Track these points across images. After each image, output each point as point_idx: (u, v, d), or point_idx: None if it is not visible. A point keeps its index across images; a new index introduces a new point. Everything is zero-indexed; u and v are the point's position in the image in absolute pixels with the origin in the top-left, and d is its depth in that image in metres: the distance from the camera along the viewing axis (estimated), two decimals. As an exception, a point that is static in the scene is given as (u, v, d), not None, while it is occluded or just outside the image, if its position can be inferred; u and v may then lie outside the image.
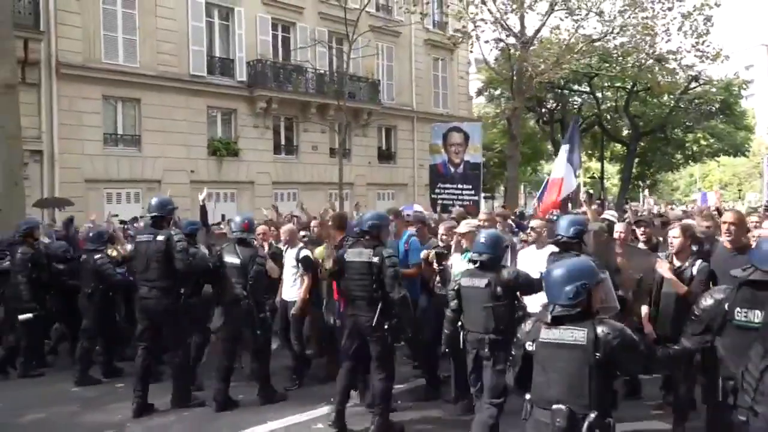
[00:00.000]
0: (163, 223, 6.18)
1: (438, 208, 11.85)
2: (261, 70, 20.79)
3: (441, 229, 6.66)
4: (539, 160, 36.24)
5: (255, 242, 6.70)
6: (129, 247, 7.60)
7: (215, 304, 6.48)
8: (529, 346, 3.11)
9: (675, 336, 4.73)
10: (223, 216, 14.49)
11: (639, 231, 6.67)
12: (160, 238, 5.96)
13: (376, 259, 5.25)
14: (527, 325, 3.23)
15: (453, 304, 4.90)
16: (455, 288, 4.90)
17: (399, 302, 5.22)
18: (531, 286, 4.80)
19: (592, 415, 2.85)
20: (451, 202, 12.83)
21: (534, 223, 6.34)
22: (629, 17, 19.64)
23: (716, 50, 20.05)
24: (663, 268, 5.22)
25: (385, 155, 26.00)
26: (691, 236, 5.59)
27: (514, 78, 20.88)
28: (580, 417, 2.87)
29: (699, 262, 5.13)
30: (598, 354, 2.89)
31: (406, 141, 26.45)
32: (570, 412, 2.88)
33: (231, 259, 6.16)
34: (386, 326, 5.23)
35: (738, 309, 3.43)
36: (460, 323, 4.86)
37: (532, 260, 5.67)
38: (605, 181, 34.74)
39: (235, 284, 6.04)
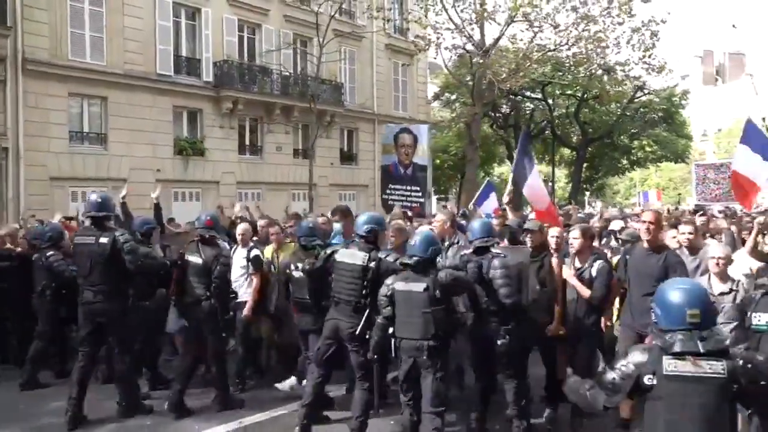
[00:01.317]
0: (105, 224, 5.80)
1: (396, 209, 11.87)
2: (227, 71, 20.99)
3: (389, 231, 6.40)
4: (492, 163, 37.39)
5: (220, 240, 6.45)
6: None
7: (171, 306, 6.35)
8: (649, 380, 2.73)
9: (576, 335, 5.40)
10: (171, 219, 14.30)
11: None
12: (103, 240, 5.60)
13: (372, 264, 5.00)
14: (639, 355, 2.83)
15: (386, 310, 4.61)
16: (388, 294, 4.62)
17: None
18: (469, 287, 4.76)
19: None
20: (400, 202, 12.99)
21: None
22: (582, 30, 20.73)
23: (661, 63, 21.44)
24: (566, 273, 5.39)
25: (347, 157, 26.50)
26: (591, 237, 5.83)
27: (474, 84, 21.72)
28: None
29: (598, 262, 5.33)
30: (735, 387, 2.66)
31: (368, 143, 27.01)
32: None
33: (193, 258, 5.92)
34: (368, 336, 4.91)
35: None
36: (391, 330, 4.62)
37: None
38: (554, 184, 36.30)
39: (196, 284, 5.81)
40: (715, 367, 2.66)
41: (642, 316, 4.88)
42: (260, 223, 8.14)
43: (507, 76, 19.32)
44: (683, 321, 2.75)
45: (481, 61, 19.88)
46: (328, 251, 5.36)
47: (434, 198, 28.49)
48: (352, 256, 5.10)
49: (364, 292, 4.96)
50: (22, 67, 16.40)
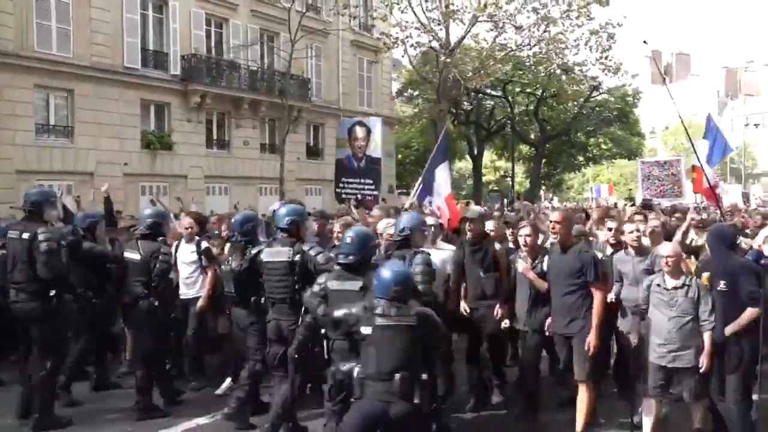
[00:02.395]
0: (39, 218, 5.49)
1: (351, 203, 11.51)
2: (195, 65, 20.97)
3: (336, 227, 6.23)
4: (453, 158, 38.22)
5: (165, 237, 6.17)
6: None
7: (115, 305, 6.15)
8: (365, 330, 3.44)
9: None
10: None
11: (508, 232, 6.79)
12: (25, 236, 5.32)
13: (297, 258, 4.92)
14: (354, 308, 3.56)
15: (319, 309, 4.38)
16: (320, 293, 4.42)
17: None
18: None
19: None
20: (354, 195, 12.86)
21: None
22: (543, 32, 21.51)
23: (617, 64, 22.45)
24: (522, 267, 5.45)
25: (313, 152, 26.74)
26: (539, 234, 5.86)
27: (440, 82, 22.28)
28: None
29: (547, 258, 5.35)
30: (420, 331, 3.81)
31: (333, 138, 27.08)
32: None
33: (131, 255, 5.72)
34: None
35: None
36: (323, 331, 4.41)
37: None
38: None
39: (135, 283, 5.57)
40: (405, 319, 3.74)
41: (564, 318, 5.05)
42: (212, 219, 7.96)
43: (472, 75, 19.90)
44: (388, 293, 3.80)
45: (447, 60, 20.41)
46: (254, 251, 5.24)
47: (397, 192, 28.95)
48: (277, 254, 5.02)
49: (296, 287, 4.88)
50: (-12, 58, 16.11)
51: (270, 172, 24.12)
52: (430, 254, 5.05)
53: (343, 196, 13.06)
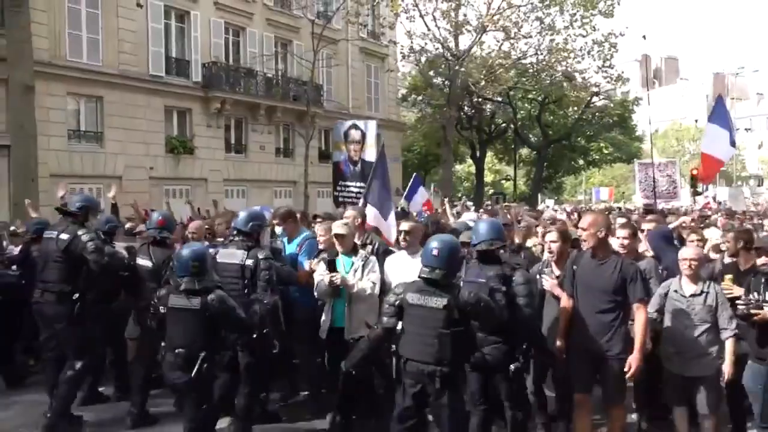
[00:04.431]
0: (76, 222, 5.51)
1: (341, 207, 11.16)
2: (215, 72, 21.73)
3: (318, 229, 5.82)
4: (455, 161, 39.11)
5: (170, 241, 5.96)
6: (16, 250, 7.26)
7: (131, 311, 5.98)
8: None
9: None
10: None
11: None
12: (64, 236, 5.35)
13: (249, 262, 4.85)
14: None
15: (390, 321, 4.03)
16: (396, 302, 4.00)
17: (264, 311, 4.78)
18: (492, 313, 3.99)
19: None
20: (350, 200, 12.42)
21: (405, 225, 5.54)
22: (550, 41, 22.48)
23: (619, 73, 23.45)
24: (549, 284, 4.83)
25: (325, 155, 27.43)
26: (570, 240, 5.28)
27: (450, 89, 23.18)
28: None
29: (571, 267, 4.66)
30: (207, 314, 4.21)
31: (343, 142, 28.03)
32: None
33: (143, 261, 5.56)
34: (255, 335, 4.75)
35: None
36: (393, 348, 4.05)
37: (402, 268, 5.09)
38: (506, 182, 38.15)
39: (148, 289, 5.32)
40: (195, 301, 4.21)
41: (598, 337, 4.40)
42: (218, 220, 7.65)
43: (485, 84, 20.80)
44: (187, 270, 4.24)
45: (462, 69, 21.28)
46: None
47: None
48: (230, 255, 4.97)
49: (246, 291, 4.83)
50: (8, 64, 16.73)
51: (284, 175, 24.96)
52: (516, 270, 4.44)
53: (340, 199, 12.57)
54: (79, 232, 5.34)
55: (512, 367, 4.26)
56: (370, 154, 12.86)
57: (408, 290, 3.98)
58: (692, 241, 5.90)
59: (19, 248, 7.23)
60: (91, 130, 18.87)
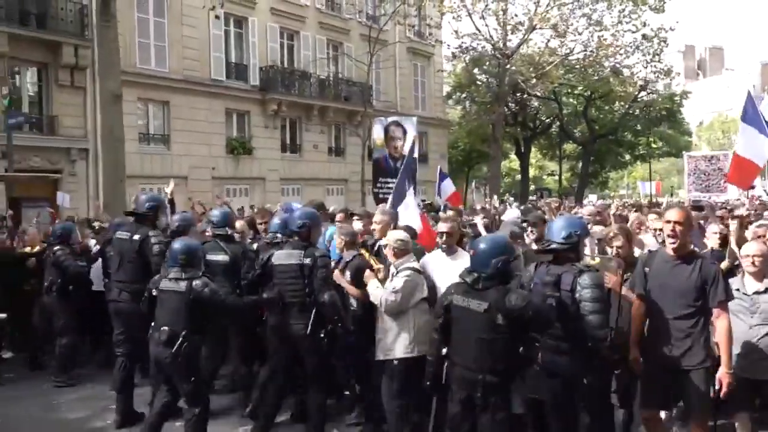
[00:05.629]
0: (146, 222, 5.80)
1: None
2: (272, 76, 22.61)
3: (337, 236, 5.61)
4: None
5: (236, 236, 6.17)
6: (92, 242, 7.76)
7: None
8: None
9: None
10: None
11: (528, 230, 5.83)
12: (136, 237, 5.62)
13: (308, 261, 4.85)
14: None
15: (437, 322, 3.92)
16: (446, 303, 3.85)
17: (328, 306, 4.78)
18: (544, 319, 3.68)
19: None
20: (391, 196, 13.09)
21: (443, 226, 5.18)
22: (596, 37, 22.68)
23: (668, 67, 23.50)
24: (612, 281, 4.34)
25: (374, 154, 28.21)
26: (632, 243, 4.96)
27: (499, 87, 23.60)
28: None
29: (644, 267, 4.21)
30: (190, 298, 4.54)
31: (391, 140, 28.71)
32: None
33: (218, 257, 5.64)
34: (322, 333, 4.84)
35: None
36: (444, 351, 3.86)
37: (440, 270, 4.88)
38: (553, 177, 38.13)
39: (223, 285, 5.32)
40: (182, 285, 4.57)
41: (677, 347, 3.96)
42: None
43: (536, 81, 21.17)
44: (176, 262, 4.62)
45: (513, 68, 21.66)
46: (265, 256, 5.14)
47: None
48: (288, 256, 4.95)
49: (307, 290, 4.83)
50: (99, 75, 17.84)
51: (336, 173, 25.76)
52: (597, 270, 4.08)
53: (381, 196, 12.57)
54: (150, 233, 5.64)
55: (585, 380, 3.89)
56: (412, 150, 13.20)
57: (455, 291, 3.81)
58: (757, 237, 5.49)
59: (94, 242, 7.79)
60: (159, 133, 19.94)
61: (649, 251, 4.68)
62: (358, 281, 5.00)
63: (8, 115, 13.78)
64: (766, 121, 12.49)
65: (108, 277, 6.23)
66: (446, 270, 4.69)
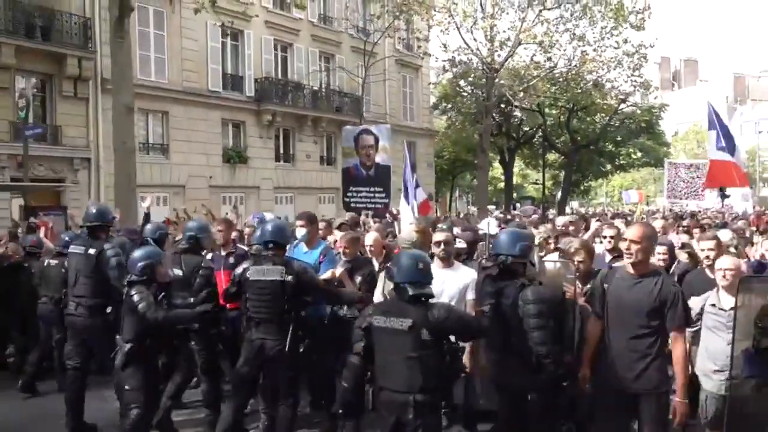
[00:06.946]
0: (100, 234, 5.64)
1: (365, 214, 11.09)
2: (267, 87, 23.21)
3: (341, 242, 5.62)
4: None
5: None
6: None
7: None
8: None
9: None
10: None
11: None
12: (91, 251, 5.44)
13: (290, 278, 4.55)
14: None
15: (358, 346, 3.70)
16: (364, 325, 3.68)
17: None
18: (468, 327, 3.70)
19: None
20: (363, 205, 12.37)
21: (440, 236, 4.96)
22: (583, 53, 23.52)
23: (647, 81, 24.50)
24: (570, 292, 4.33)
25: (365, 163, 28.87)
26: (591, 254, 4.95)
27: (487, 99, 24.38)
28: None
29: (601, 284, 4.11)
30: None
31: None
32: None
33: (173, 271, 5.41)
34: (301, 349, 4.72)
35: None
36: (368, 375, 3.79)
37: (439, 282, 4.45)
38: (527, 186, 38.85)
39: (179, 296, 5.20)
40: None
41: (630, 369, 3.82)
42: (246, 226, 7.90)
43: (524, 95, 22.00)
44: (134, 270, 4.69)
45: (502, 82, 22.45)
46: (238, 271, 4.85)
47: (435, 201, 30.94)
48: (265, 272, 4.65)
49: (286, 307, 4.61)
50: (101, 86, 18.31)
51: (328, 182, 26.34)
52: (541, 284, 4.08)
53: (351, 205, 12.60)
54: (105, 246, 5.51)
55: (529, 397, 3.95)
56: (384, 158, 12.83)
57: (375, 313, 3.68)
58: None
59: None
60: (158, 143, 20.40)
61: (610, 267, 4.75)
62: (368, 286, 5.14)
63: (25, 127, 14.18)
64: (730, 134, 13.62)
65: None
66: (444, 282, 4.62)
